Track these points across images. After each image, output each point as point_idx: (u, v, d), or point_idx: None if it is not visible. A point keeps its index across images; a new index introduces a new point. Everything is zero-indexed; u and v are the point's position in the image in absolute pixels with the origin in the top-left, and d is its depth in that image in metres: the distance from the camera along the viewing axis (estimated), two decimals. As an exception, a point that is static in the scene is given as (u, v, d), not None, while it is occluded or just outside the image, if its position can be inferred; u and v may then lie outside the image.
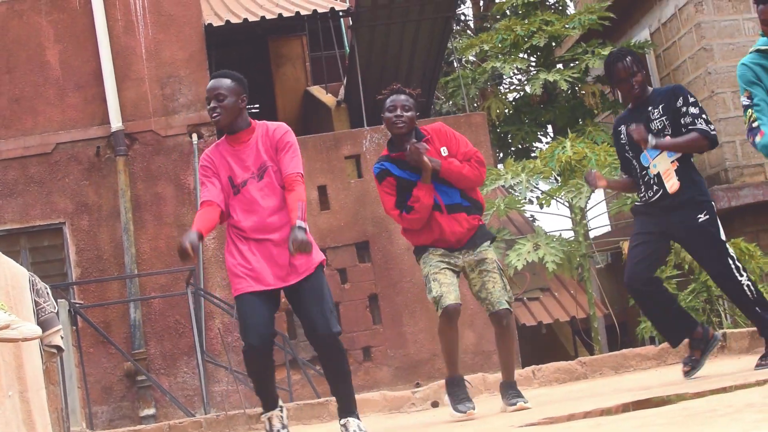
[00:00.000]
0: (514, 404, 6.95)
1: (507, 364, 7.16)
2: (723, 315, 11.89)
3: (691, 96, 7.28)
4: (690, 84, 15.99)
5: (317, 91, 18.12)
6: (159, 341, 13.71)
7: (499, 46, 16.79)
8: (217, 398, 13.34)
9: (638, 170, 7.29)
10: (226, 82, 6.41)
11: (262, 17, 16.01)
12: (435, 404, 8.94)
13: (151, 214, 13.99)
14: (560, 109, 16.59)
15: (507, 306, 6.97)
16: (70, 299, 11.98)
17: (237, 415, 9.13)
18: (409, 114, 6.98)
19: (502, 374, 7.23)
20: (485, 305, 7.01)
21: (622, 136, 7.32)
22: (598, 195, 14.17)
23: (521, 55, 17.11)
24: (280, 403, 6.53)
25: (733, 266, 7.10)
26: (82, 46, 14.38)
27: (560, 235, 12.97)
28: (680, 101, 7.17)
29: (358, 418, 6.45)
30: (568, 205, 12.94)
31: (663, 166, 7.12)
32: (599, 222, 17.12)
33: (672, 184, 7.12)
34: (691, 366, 7.29)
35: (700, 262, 7.45)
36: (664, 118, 7.17)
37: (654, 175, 7.16)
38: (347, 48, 17.59)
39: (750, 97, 6.75)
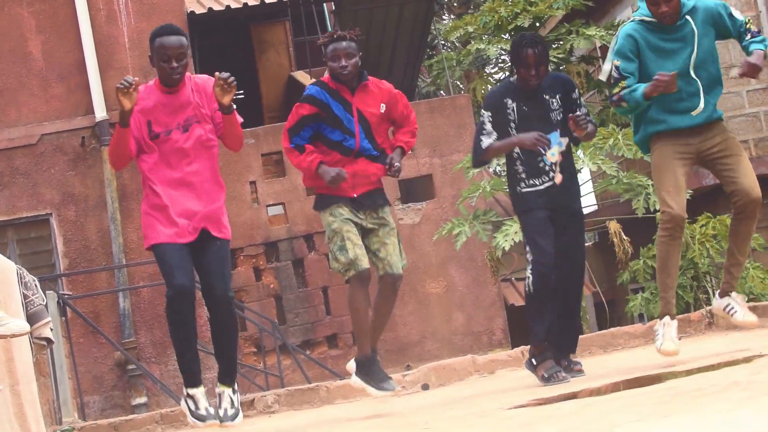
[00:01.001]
0: (392, 389, 7.01)
1: (380, 331, 7.30)
2: (711, 292, 11.93)
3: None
4: (673, 61, 16.00)
5: (301, 76, 18.10)
6: (149, 330, 13.73)
7: (483, 28, 16.78)
8: (209, 385, 13.31)
9: (525, 154, 7.20)
10: (183, 39, 6.36)
11: (245, 4, 16.01)
12: (425, 387, 8.97)
13: (138, 203, 13.93)
14: (545, 89, 16.59)
15: (401, 272, 7.03)
16: (58, 290, 11.99)
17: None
18: (353, 61, 6.92)
19: (372, 342, 7.20)
20: (381, 265, 6.98)
21: (509, 110, 7.19)
22: (584, 175, 14.19)
23: (505, 36, 17.10)
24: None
25: None
26: (64, 36, 14.34)
27: (547, 215, 12.97)
28: (575, 93, 7.32)
29: (234, 391, 6.48)
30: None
31: (557, 157, 7.18)
32: (586, 201, 17.13)
33: (558, 175, 7.20)
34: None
35: (568, 248, 7.29)
36: (562, 110, 7.24)
37: (551, 162, 7.19)
38: (331, 32, 17.56)
39: (619, 70, 6.79)
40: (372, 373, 7.04)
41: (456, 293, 14.43)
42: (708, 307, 9.53)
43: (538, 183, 7.21)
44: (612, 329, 9.70)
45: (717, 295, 6.96)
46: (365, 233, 7.02)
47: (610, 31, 16.22)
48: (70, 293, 12.88)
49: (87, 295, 13.43)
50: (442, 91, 22.91)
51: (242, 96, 19.23)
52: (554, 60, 15.80)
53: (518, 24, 16.29)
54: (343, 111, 6.97)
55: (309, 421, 7.65)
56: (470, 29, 16.92)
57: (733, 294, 6.87)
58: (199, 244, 6.39)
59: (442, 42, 19.83)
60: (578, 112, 7.02)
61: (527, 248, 7.23)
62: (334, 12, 16.09)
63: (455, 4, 25.98)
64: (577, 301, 7.44)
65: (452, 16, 25.07)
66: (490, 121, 7.26)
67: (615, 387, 6.07)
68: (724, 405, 4.09)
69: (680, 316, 9.66)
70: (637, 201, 11.96)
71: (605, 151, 12.18)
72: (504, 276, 16.34)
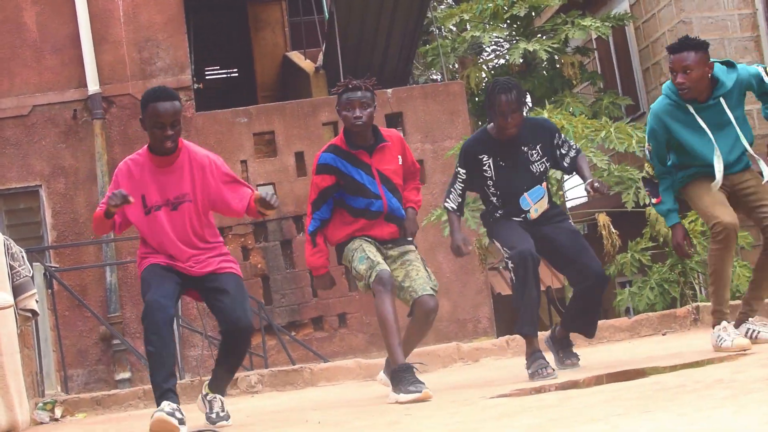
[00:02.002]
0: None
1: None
2: (697, 288, 11.97)
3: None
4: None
5: (296, 56, 18.08)
6: (135, 305, 13.71)
7: (479, 15, 16.77)
8: (192, 363, 13.37)
9: (504, 199, 7.14)
10: (177, 104, 6.05)
11: (242, -18, 15.96)
12: (409, 373, 8.95)
13: (128, 178, 13.93)
14: (539, 79, 16.62)
15: (431, 292, 6.70)
16: (45, 263, 11.97)
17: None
18: (367, 111, 6.71)
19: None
20: (408, 294, 6.73)
21: (486, 167, 7.00)
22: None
23: (501, 25, 17.10)
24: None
25: None
26: (59, 8, 14.29)
27: (537, 205, 12.99)
28: (557, 139, 7.07)
29: (224, 395, 6.33)
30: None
31: (541, 206, 7.10)
32: (576, 193, 17.14)
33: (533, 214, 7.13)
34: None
35: (568, 258, 7.08)
36: (544, 160, 7.02)
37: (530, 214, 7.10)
38: (326, 14, 17.56)
39: (651, 153, 6.94)
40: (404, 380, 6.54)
41: (443, 280, 14.43)
42: (694, 303, 9.55)
43: (510, 216, 7.15)
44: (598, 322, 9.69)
45: (733, 326, 6.91)
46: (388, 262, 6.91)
47: (606, 23, 16.25)
48: (57, 266, 12.86)
49: (74, 268, 13.42)
50: (437, 76, 22.90)
51: (236, 74, 19.19)
52: (549, 49, 15.80)
53: (514, 12, 16.27)
54: (364, 175, 6.80)
55: (291, 403, 7.66)
56: (466, 17, 16.91)
57: (749, 319, 6.85)
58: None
59: (437, 28, 19.80)
60: (595, 185, 6.70)
61: (503, 248, 7.01)
62: (331, -7, 16.06)
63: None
64: (596, 298, 7.11)
65: (449, 2, 25.04)
66: (461, 180, 7.09)
67: (598, 380, 6.09)
68: (706, 402, 4.11)
69: (666, 312, 9.69)
70: (627, 194, 11.95)
71: (597, 144, 12.17)
72: (492, 265, 16.38)
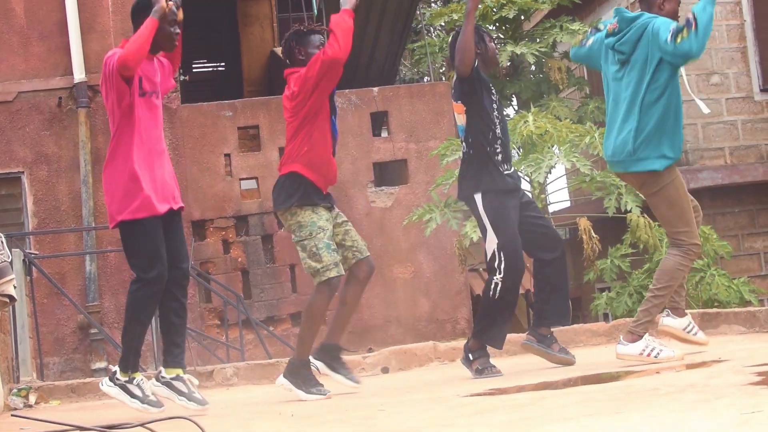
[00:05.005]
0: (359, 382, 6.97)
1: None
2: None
3: None
4: (655, 64, 16.03)
5: (284, 52, 18.05)
6: (113, 295, 13.67)
7: (468, 16, 16.76)
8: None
9: (504, 136, 7.18)
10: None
11: (232, -25, 15.95)
12: (385, 370, 8.99)
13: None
14: (525, 82, 16.62)
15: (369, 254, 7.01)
16: (25, 249, 11.93)
17: (187, 372, 9.14)
18: None
19: (336, 335, 7.23)
20: (351, 253, 6.92)
21: (494, 101, 7.21)
22: (558, 170, 14.21)
23: (489, 26, 17.09)
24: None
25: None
26: (48, -5, 14.25)
27: (518, 208, 12.98)
28: None
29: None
30: (528, 179, 12.98)
31: None
32: (558, 197, 17.16)
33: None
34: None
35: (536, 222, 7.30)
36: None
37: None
38: (315, 10, 17.55)
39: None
40: (305, 377, 6.95)
41: (423, 280, 14.45)
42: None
43: (507, 168, 7.17)
44: (574, 326, 9.72)
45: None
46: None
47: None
48: (37, 253, 12.81)
49: (53, 255, 13.37)
50: (426, 78, 22.91)
51: (223, 68, 19.15)
52: (536, 54, 15.81)
53: (503, 15, 16.28)
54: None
55: (267, 396, 7.66)
56: (455, 17, 16.91)
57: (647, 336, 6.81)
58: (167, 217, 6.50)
59: (427, 26, 19.81)
60: None
61: (499, 241, 7.03)
62: (321, -10, 16.05)
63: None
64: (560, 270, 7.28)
65: (438, 3, 25.05)
66: None
67: (571, 382, 6.10)
68: (678, 405, 4.12)
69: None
70: (608, 200, 11.98)
71: (581, 149, 12.20)
72: (472, 266, 16.37)
